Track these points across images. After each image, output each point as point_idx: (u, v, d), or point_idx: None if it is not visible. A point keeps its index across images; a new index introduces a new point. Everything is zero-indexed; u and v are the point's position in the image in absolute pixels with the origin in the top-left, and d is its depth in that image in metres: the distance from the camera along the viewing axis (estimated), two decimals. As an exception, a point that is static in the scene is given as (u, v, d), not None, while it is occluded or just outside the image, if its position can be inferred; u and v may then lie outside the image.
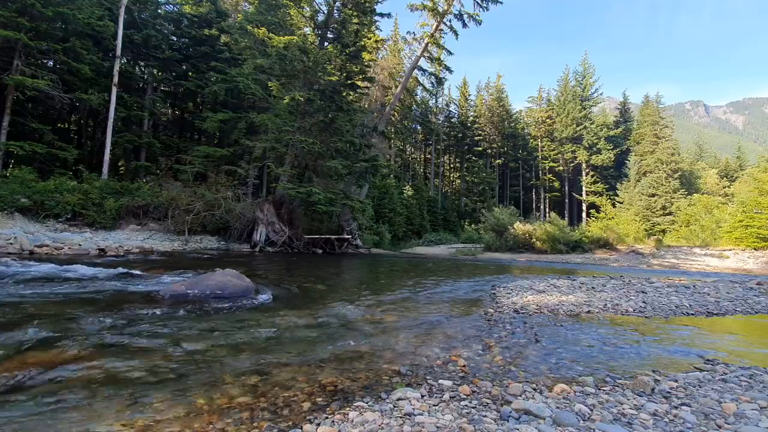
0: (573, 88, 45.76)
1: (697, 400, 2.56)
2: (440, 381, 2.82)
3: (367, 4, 19.30)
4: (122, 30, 17.94)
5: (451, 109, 49.58)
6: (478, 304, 6.20)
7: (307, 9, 19.67)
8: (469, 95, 49.60)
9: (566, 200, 45.89)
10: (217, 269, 6.68)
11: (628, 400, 2.55)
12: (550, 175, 47.13)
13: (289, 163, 17.73)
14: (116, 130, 18.55)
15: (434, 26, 24.58)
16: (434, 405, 2.39)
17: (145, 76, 22.99)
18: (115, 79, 17.73)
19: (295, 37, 16.41)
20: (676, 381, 2.94)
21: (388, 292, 7.06)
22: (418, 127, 45.11)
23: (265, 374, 2.88)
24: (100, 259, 9.69)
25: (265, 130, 17.81)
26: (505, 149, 48.36)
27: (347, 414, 2.24)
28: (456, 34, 25.10)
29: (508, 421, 2.20)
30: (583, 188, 43.40)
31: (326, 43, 19.45)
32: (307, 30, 21.18)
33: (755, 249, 20.55)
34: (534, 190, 49.26)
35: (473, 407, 2.38)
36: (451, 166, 52.61)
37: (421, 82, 30.76)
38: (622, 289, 7.99)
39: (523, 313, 5.46)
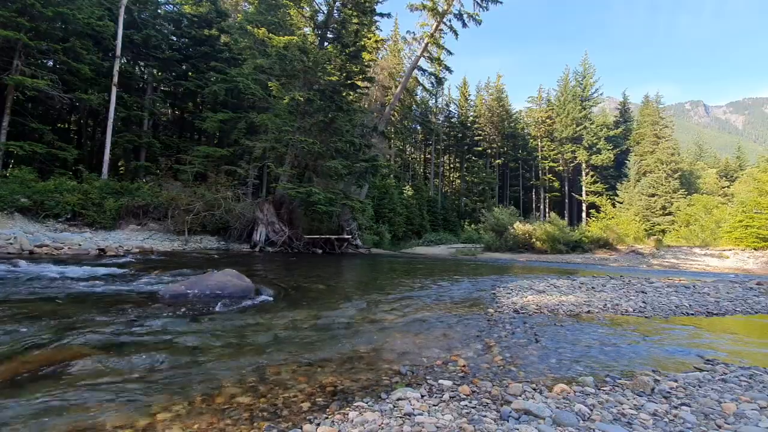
0: (573, 88, 45.77)
1: (696, 400, 2.56)
2: (440, 381, 2.82)
3: (367, 4, 19.30)
4: (122, 30, 17.94)
5: (451, 109, 49.60)
6: (478, 304, 6.19)
7: (307, 9, 19.67)
8: (469, 95, 49.61)
9: (566, 200, 45.91)
10: (216, 269, 6.68)
11: (628, 400, 2.55)
12: (550, 175, 47.14)
13: (289, 163, 17.72)
14: (116, 130, 18.56)
15: (434, 26, 24.58)
16: (434, 405, 2.39)
17: (145, 76, 23.00)
18: (115, 79, 17.72)
19: (295, 37, 16.41)
20: (676, 381, 2.94)
21: (388, 292, 7.06)
22: (418, 127, 45.11)
23: (265, 374, 2.88)
24: (100, 259, 9.69)
25: (265, 130, 17.81)
26: (505, 149, 48.36)
27: (347, 414, 2.24)
28: (456, 34, 25.14)
29: (508, 421, 2.19)
30: (583, 188, 43.40)
31: (326, 43, 19.45)
32: (307, 30, 21.18)
33: (755, 249, 20.56)
34: (534, 190, 49.27)
35: (473, 407, 2.38)
36: (451, 166, 52.61)
37: (421, 82, 30.76)
38: (622, 289, 7.99)
39: (523, 313, 5.46)
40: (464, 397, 2.56)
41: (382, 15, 21.57)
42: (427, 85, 32.62)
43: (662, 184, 35.51)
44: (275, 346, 3.58)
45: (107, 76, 18.32)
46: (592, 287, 8.08)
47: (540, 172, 47.86)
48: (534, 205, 48.33)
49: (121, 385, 2.56)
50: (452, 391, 2.64)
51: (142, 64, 23.01)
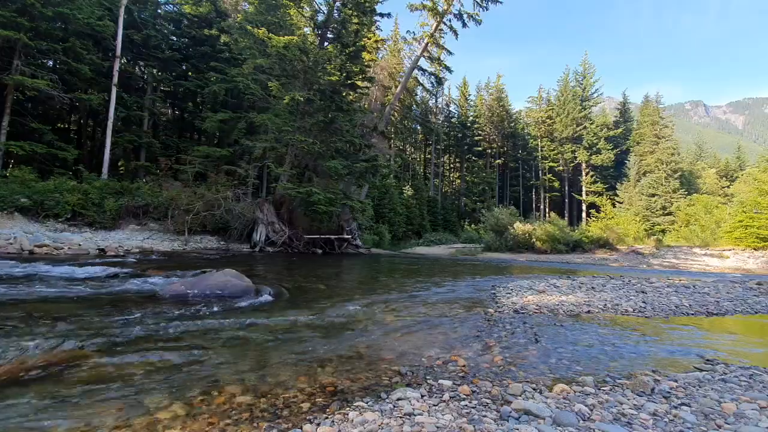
0: (573, 88, 45.80)
1: (696, 400, 2.56)
2: (440, 381, 2.82)
3: (367, 4, 19.28)
4: (122, 30, 17.95)
5: (451, 109, 49.64)
6: (478, 304, 6.19)
7: (307, 9, 19.66)
8: (469, 95, 49.64)
9: (566, 200, 45.91)
10: (216, 269, 6.67)
11: (628, 400, 2.55)
12: (550, 175, 47.16)
13: (289, 163, 17.72)
14: (116, 130, 18.56)
15: (434, 26, 24.58)
16: (434, 405, 2.39)
17: (145, 76, 23.00)
18: (115, 79, 17.73)
19: (295, 37, 16.39)
20: (675, 381, 2.94)
21: (388, 292, 7.06)
22: (418, 127, 45.13)
23: (265, 374, 2.88)
24: (100, 259, 9.68)
25: (265, 130, 17.80)
26: (505, 149, 48.37)
27: (347, 414, 2.24)
28: (456, 33, 25.14)
29: (508, 421, 2.20)
30: (583, 188, 43.41)
31: (326, 43, 19.44)
32: (307, 30, 21.16)
33: (755, 249, 20.54)
34: (534, 190, 49.28)
35: (473, 407, 2.38)
36: (451, 166, 52.62)
37: (421, 82, 30.76)
38: (622, 289, 7.99)
39: (523, 313, 5.46)
40: (464, 397, 2.56)
41: (382, 15, 21.56)
42: (427, 85, 32.63)
43: (662, 184, 35.50)
44: (275, 346, 3.59)
45: (107, 76, 18.32)
46: (592, 287, 8.08)
47: (540, 172, 47.86)
48: (534, 205, 48.34)
49: (121, 385, 2.56)
50: (452, 391, 2.64)
51: (142, 64, 23.01)
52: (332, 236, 18.61)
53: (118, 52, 17.89)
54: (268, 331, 4.08)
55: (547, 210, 45.13)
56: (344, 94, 19.00)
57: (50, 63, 17.39)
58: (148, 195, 15.78)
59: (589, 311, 5.73)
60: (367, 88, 23.31)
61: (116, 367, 2.85)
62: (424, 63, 27.95)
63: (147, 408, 2.27)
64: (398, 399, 2.47)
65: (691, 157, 50.60)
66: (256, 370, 2.96)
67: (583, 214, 43.15)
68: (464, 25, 24.46)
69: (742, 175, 39.34)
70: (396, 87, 29.15)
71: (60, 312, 4.27)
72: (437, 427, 2.06)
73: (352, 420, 2.16)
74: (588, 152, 42.57)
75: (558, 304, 6.05)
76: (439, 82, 31.30)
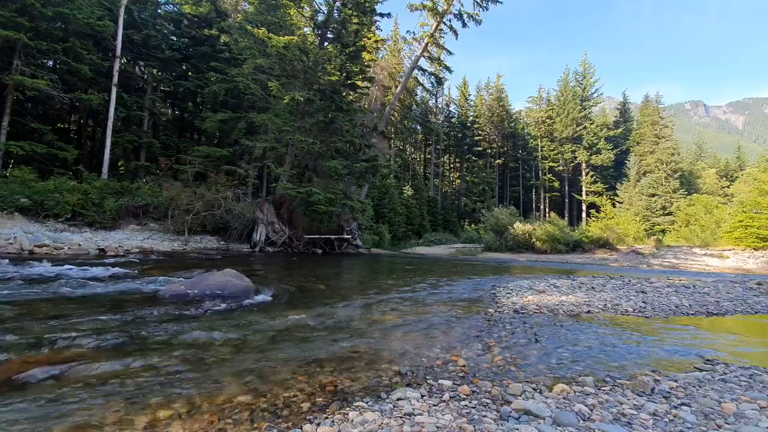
0: (573, 88, 45.80)
1: (696, 400, 2.56)
2: (440, 381, 2.82)
3: (367, 4, 19.28)
4: (122, 30, 17.96)
5: (451, 109, 49.64)
6: (478, 304, 6.20)
7: (307, 9, 19.66)
8: (469, 95, 49.65)
9: (566, 200, 45.91)
10: (216, 269, 6.67)
11: (628, 400, 2.55)
12: (550, 175, 47.16)
13: (289, 163, 17.72)
14: (116, 130, 18.56)
15: (434, 26, 24.59)
16: (434, 405, 2.39)
17: (145, 76, 23.01)
18: (115, 79, 17.73)
19: (295, 37, 16.39)
20: (675, 381, 2.94)
21: (388, 292, 7.05)
22: (418, 127, 45.13)
23: (265, 374, 2.88)
24: (100, 259, 9.68)
25: (265, 130, 17.80)
26: (505, 149, 48.37)
27: (347, 414, 2.24)
28: (456, 33, 25.16)
29: (508, 421, 2.20)
30: (583, 188, 43.41)
31: (326, 43, 19.44)
32: (307, 30, 21.16)
33: (755, 249, 20.54)
34: (534, 190, 49.28)
35: (473, 407, 2.38)
36: (451, 166, 52.63)
37: (421, 82, 30.77)
38: (622, 289, 7.99)
39: (523, 313, 5.46)
40: (464, 397, 2.56)
41: (382, 15, 21.56)
42: (427, 85, 32.64)
43: (662, 184, 35.51)
44: (275, 346, 3.59)
45: (107, 76, 18.32)
46: (592, 287, 8.08)
47: (540, 172, 47.87)
48: (534, 205, 48.34)
49: (122, 385, 2.56)
50: (452, 391, 2.64)
51: (142, 64, 23.02)
52: (332, 236, 18.62)
53: (118, 52, 17.89)
54: (267, 331, 4.08)
55: (547, 210, 45.14)
56: (344, 94, 19.00)
57: (50, 63, 17.39)
58: (148, 195, 15.78)
59: (589, 311, 5.73)
60: (367, 88, 23.31)
61: (116, 367, 2.85)
62: (424, 63, 28.00)
63: (147, 408, 2.27)
64: (398, 399, 2.47)
65: (691, 157, 50.63)
66: (256, 369, 2.96)
67: (583, 214, 43.16)
68: (464, 25, 24.47)
69: (742, 175, 39.35)
70: (396, 87, 29.15)
71: (60, 312, 4.27)
72: (437, 427, 2.06)
73: (352, 420, 2.16)
74: (588, 152, 42.58)
75: (558, 304, 6.05)
76: (439, 82, 31.30)
